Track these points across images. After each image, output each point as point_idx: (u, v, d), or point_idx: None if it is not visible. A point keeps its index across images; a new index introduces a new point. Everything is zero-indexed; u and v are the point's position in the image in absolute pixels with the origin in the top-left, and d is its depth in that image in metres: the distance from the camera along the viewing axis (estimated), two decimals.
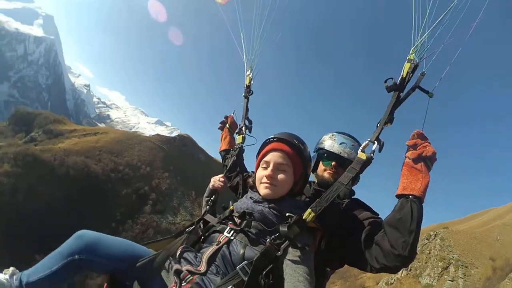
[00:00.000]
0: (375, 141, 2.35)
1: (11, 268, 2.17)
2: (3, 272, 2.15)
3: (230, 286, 1.86)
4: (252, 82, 3.61)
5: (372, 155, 2.32)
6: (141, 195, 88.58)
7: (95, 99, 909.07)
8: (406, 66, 2.35)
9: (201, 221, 2.61)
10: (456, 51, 2.27)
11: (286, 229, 1.99)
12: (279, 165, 2.28)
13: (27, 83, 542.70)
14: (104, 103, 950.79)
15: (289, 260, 1.93)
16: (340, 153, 2.90)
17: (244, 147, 3.40)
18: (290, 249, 1.98)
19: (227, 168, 3.30)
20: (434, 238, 35.94)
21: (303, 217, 2.10)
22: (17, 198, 66.52)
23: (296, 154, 2.33)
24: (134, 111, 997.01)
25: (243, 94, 3.61)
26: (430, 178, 2.15)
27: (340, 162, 2.89)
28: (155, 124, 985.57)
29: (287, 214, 2.12)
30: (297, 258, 1.93)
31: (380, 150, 2.36)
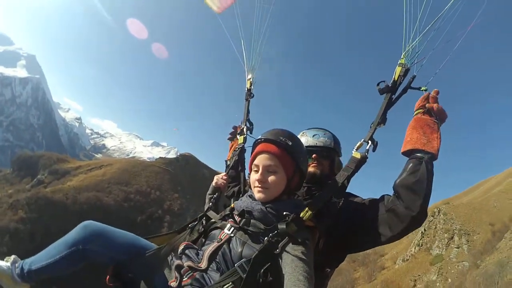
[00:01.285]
0: (369, 141, 2.40)
1: (13, 256, 2.23)
2: (5, 259, 2.21)
3: (229, 283, 1.88)
4: (252, 86, 3.66)
5: (366, 154, 2.37)
6: (155, 219, 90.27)
7: (88, 131, 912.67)
8: (398, 70, 2.42)
9: (204, 217, 2.61)
10: (448, 53, 2.33)
11: (284, 227, 1.99)
12: (268, 167, 2.24)
13: (19, 126, 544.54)
14: (97, 133, 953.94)
15: (288, 258, 1.92)
16: (317, 144, 2.92)
17: (245, 148, 3.42)
18: (289, 247, 1.97)
19: (230, 167, 3.32)
20: (438, 214, 39.68)
21: (301, 215, 2.11)
22: (35, 241, 67.83)
23: (284, 152, 2.27)
24: (128, 137, 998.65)
25: (245, 97, 3.66)
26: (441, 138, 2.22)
27: (319, 153, 2.90)
28: (151, 147, 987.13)
29: (284, 213, 2.12)
30: (297, 257, 1.92)
31: (374, 150, 2.41)
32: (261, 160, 2.27)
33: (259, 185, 2.23)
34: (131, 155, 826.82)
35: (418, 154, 2.18)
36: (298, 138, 2.45)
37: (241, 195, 2.82)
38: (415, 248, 39.90)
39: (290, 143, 2.29)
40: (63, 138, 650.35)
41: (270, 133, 2.35)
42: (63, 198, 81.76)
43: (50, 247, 2.16)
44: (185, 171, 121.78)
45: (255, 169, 2.30)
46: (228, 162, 3.46)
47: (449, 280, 29.82)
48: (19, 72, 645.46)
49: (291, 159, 2.28)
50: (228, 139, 3.80)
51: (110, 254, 2.14)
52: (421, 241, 39.33)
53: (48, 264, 2.10)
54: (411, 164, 2.18)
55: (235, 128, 3.73)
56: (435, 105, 2.28)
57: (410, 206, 2.09)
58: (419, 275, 34.49)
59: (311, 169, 2.84)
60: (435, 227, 39.14)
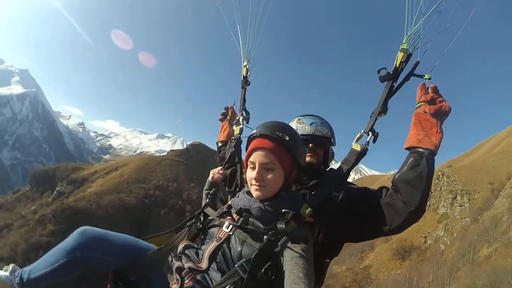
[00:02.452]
0: (369, 132, 2.30)
1: (11, 265, 2.17)
2: (3, 269, 2.16)
3: (230, 284, 1.86)
4: (249, 72, 3.49)
5: (367, 146, 2.29)
6: (177, 210, 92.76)
7: (92, 134, 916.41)
8: (400, 56, 2.28)
9: (201, 214, 2.52)
10: (454, 36, 2.20)
11: (284, 226, 1.94)
12: (265, 164, 2.12)
13: (25, 141, 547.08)
14: (102, 135, 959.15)
15: (288, 256, 1.88)
16: (314, 133, 2.83)
17: (242, 138, 3.25)
18: (288, 245, 1.93)
19: (226, 159, 3.19)
20: (442, 177, 43.26)
21: (300, 212, 2.06)
22: None
23: (281, 147, 2.15)
24: (133, 133, 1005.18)
25: (241, 84, 3.49)
26: (443, 134, 2.13)
27: (316, 142, 2.81)
28: (157, 139, 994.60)
29: (283, 211, 2.04)
30: (296, 254, 1.87)
31: (374, 141, 2.32)
32: (257, 157, 2.15)
33: (256, 184, 2.13)
34: (138, 151, 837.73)
35: (419, 149, 2.12)
36: (294, 130, 2.33)
37: (237, 189, 2.84)
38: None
39: (287, 138, 2.16)
40: (69, 145, 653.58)
41: (265, 127, 2.21)
42: (87, 205, 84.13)
43: (48, 255, 2.09)
44: (197, 159, 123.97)
45: (251, 166, 2.19)
46: (221, 144, 3.52)
47: (454, 234, 33.55)
48: (15, 89, 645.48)
49: (289, 155, 2.17)
50: (219, 119, 3.73)
51: (110, 259, 2.08)
52: (428, 202, 41.99)
53: (47, 273, 2.04)
54: (411, 159, 2.13)
55: (226, 109, 3.66)
56: (435, 107, 2.15)
57: (409, 201, 2.06)
58: (428, 232, 38.54)
59: (307, 158, 2.72)
60: (440, 189, 42.93)
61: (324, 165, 2.85)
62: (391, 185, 2.26)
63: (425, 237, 38.44)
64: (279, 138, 2.14)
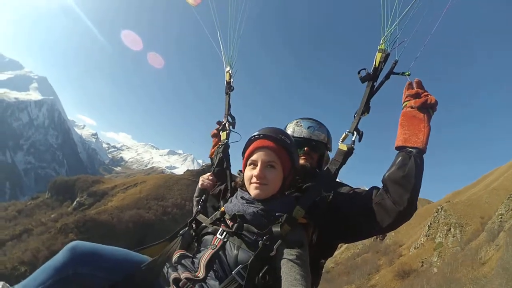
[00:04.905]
0: (354, 132, 2.31)
1: (1, 283, 2.02)
2: None
3: None
4: (232, 78, 3.46)
5: (352, 145, 2.28)
6: None
7: (104, 145, 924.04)
8: (378, 56, 2.30)
9: (194, 222, 2.49)
10: (429, 33, 2.19)
11: (279, 229, 1.93)
12: (267, 163, 2.13)
13: (40, 147, 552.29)
14: (114, 146, 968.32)
15: (284, 259, 1.87)
16: (311, 137, 2.84)
17: (229, 143, 3.20)
18: (284, 248, 1.92)
19: (214, 165, 3.08)
20: (441, 211, 48.17)
21: (293, 215, 2.04)
22: None
23: (283, 149, 2.18)
24: (144, 148, 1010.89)
25: (225, 90, 3.44)
26: (431, 127, 2.10)
27: (311, 146, 2.83)
28: (168, 155, 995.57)
29: (277, 214, 2.05)
30: (293, 257, 1.86)
31: (360, 140, 2.32)
32: (260, 155, 2.16)
33: (258, 181, 2.12)
34: (149, 166, 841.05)
35: (408, 148, 2.10)
36: (291, 137, 2.36)
37: (228, 193, 2.73)
38: (423, 238, 48.10)
39: (288, 142, 2.22)
40: (82, 154, 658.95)
41: (268, 130, 2.25)
42: (108, 218, 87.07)
43: (38, 272, 1.90)
44: None
45: (252, 165, 2.19)
46: (213, 160, 3.30)
47: (445, 260, 37.29)
48: (33, 95, 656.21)
49: (289, 158, 2.21)
50: (212, 135, 3.55)
51: (103, 275, 1.96)
52: (428, 232, 47.95)
53: None
54: (400, 158, 2.11)
55: (219, 123, 3.43)
56: (421, 100, 2.14)
57: (398, 200, 2.04)
58: (425, 258, 42.79)
59: (301, 161, 2.73)
60: (438, 221, 47.13)
61: (318, 169, 2.86)
62: (382, 184, 2.23)
63: (422, 262, 42.32)
64: (282, 140, 2.19)
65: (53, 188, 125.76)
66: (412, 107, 2.17)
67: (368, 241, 61.87)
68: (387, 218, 2.11)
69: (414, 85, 2.23)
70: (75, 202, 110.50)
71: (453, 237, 42.81)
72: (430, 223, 48.29)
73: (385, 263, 49.87)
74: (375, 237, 59.20)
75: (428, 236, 47.42)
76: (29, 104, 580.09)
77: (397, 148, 2.17)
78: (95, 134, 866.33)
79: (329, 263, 61.76)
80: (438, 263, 37.96)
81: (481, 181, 72.79)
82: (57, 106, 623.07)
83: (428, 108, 2.14)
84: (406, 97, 2.24)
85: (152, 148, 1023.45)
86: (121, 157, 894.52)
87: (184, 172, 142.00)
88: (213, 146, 3.46)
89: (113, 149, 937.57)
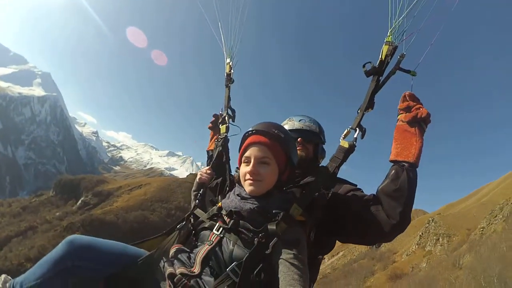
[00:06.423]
0: (357, 128, 2.26)
1: (3, 276, 2.09)
2: None
3: None
4: (232, 70, 3.41)
5: (354, 142, 2.23)
6: None
7: (104, 144, 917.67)
8: (385, 49, 2.24)
9: (191, 216, 2.48)
10: (439, 27, 2.16)
11: (274, 227, 1.90)
12: (261, 158, 2.12)
13: (40, 143, 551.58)
14: (114, 145, 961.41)
15: (282, 257, 1.84)
16: (302, 127, 2.83)
17: (228, 137, 3.15)
18: (281, 247, 1.89)
19: (213, 158, 3.04)
20: (431, 222, 51.51)
21: (290, 213, 2.00)
22: None
23: (277, 144, 2.15)
24: (144, 148, 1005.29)
25: (224, 83, 3.38)
26: (423, 142, 2.10)
27: (303, 135, 2.81)
28: (167, 157, 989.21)
29: (274, 212, 2.02)
30: (290, 256, 1.84)
31: (362, 137, 2.28)
32: (253, 151, 2.14)
33: (251, 178, 2.11)
34: (148, 166, 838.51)
35: (401, 162, 2.12)
36: (288, 131, 2.35)
37: (226, 187, 2.69)
38: (415, 246, 51.14)
39: (283, 136, 2.19)
40: (82, 152, 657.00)
41: (261, 125, 2.23)
42: (114, 218, 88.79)
43: (37, 266, 1.95)
44: None
45: (246, 161, 2.18)
46: (211, 153, 3.30)
47: (432, 266, 40.11)
48: (36, 91, 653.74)
49: (283, 152, 2.18)
50: (208, 127, 3.56)
51: (101, 267, 1.99)
52: (419, 241, 50.99)
53: (37, 284, 1.89)
54: (393, 171, 2.12)
55: (215, 116, 3.46)
56: (411, 114, 2.15)
57: (391, 214, 2.05)
58: (415, 263, 45.74)
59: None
60: (428, 232, 50.33)
61: (315, 161, 2.86)
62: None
63: (412, 267, 45.18)
64: (275, 134, 2.16)
65: (58, 186, 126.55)
66: (403, 121, 2.21)
67: (364, 248, 64.58)
68: (380, 230, 2.12)
69: (407, 98, 2.23)
70: (80, 201, 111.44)
71: (441, 246, 46.25)
72: (422, 233, 51.49)
73: (380, 268, 52.89)
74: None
75: (419, 244, 50.75)
76: (32, 99, 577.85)
77: (391, 161, 2.21)
78: (96, 132, 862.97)
79: (326, 268, 65.34)
80: (426, 268, 41.08)
81: (473, 195, 76.21)
82: (59, 103, 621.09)
83: (419, 122, 2.15)
84: (399, 110, 2.27)
85: (152, 149, 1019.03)
86: (121, 157, 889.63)
87: (187, 176, 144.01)
88: (211, 139, 3.54)
89: (113, 148, 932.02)
